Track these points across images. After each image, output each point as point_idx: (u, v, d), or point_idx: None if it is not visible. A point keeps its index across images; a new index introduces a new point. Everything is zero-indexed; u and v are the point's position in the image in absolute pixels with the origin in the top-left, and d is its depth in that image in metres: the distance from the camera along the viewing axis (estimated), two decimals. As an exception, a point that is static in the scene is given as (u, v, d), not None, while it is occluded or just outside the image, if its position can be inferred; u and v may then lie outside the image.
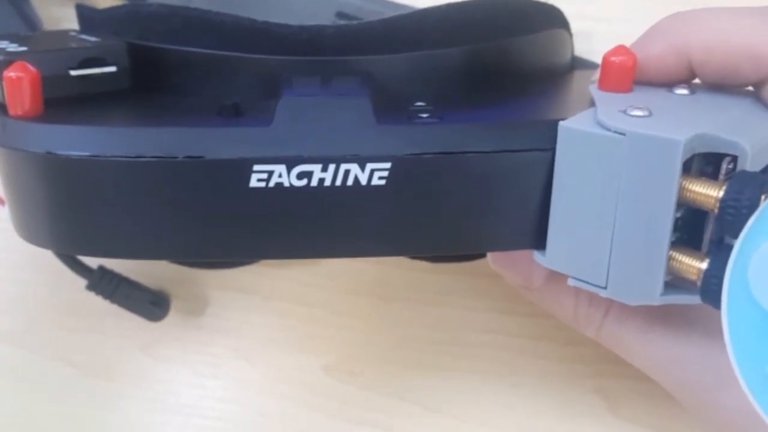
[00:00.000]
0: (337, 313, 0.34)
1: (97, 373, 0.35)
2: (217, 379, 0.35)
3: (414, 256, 0.31)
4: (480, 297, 0.33)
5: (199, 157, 0.19)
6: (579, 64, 0.31)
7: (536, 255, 0.22)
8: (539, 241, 0.21)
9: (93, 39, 0.24)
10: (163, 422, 0.35)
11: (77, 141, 0.19)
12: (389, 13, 0.31)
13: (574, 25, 0.29)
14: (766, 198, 0.17)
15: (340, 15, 0.31)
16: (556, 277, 0.21)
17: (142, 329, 0.35)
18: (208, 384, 0.35)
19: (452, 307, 0.33)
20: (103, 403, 0.35)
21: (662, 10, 0.31)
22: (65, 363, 0.35)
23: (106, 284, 0.30)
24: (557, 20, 0.28)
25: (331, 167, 0.19)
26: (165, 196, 0.20)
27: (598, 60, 0.30)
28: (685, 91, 0.22)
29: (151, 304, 0.31)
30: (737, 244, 0.15)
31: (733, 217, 0.17)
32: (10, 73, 0.20)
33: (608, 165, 0.19)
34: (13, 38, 0.24)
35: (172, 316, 0.35)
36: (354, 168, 0.19)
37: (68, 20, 0.31)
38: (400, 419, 0.34)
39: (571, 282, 0.21)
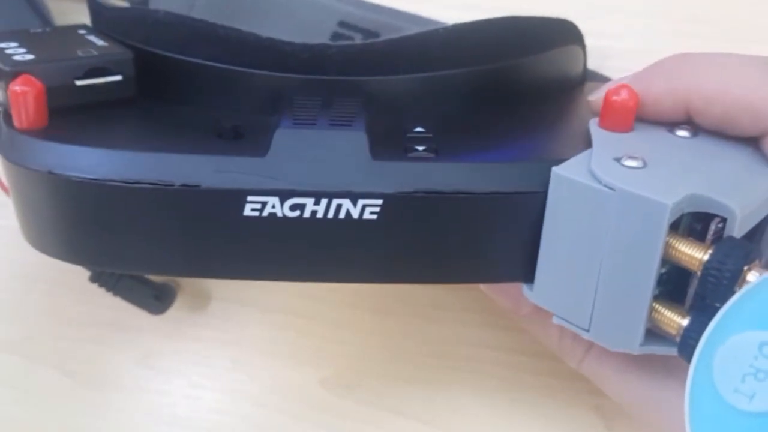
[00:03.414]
0: (336, 326, 0.34)
1: (94, 383, 0.35)
2: (214, 391, 0.35)
3: None
4: (479, 311, 0.33)
5: (195, 185, 0.20)
6: (591, 77, 0.30)
7: (525, 289, 0.22)
8: (528, 276, 0.21)
9: (100, 42, 0.24)
10: (160, 433, 0.35)
11: (78, 163, 0.20)
12: (393, 23, 0.31)
13: (589, 43, 0.28)
14: (748, 269, 0.17)
15: (343, 24, 0.31)
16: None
17: (140, 340, 0.35)
18: (204, 396, 0.35)
19: (451, 321, 0.33)
20: (99, 413, 0.35)
21: (673, 27, 0.31)
22: (62, 373, 0.36)
23: (108, 276, 0.31)
24: (571, 36, 0.28)
25: (324, 201, 0.20)
26: (161, 219, 0.20)
27: (611, 75, 0.30)
28: (686, 134, 0.22)
29: (153, 297, 0.32)
30: (705, 334, 0.16)
31: (713, 284, 0.18)
32: (15, 87, 0.21)
33: (597, 215, 0.19)
34: (21, 39, 0.24)
35: (170, 328, 0.35)
36: (346, 203, 0.20)
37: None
38: (397, 434, 0.34)
39: (555, 320, 0.21)
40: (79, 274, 0.32)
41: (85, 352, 0.36)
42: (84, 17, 0.27)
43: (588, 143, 0.21)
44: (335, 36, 0.31)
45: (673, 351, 0.19)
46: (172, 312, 0.34)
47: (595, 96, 0.23)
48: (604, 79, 0.30)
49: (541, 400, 0.33)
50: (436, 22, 0.32)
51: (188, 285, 0.35)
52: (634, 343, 0.20)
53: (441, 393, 0.33)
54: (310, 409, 0.34)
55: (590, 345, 0.23)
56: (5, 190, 0.23)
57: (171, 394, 0.35)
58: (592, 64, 0.29)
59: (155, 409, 0.35)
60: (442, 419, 0.33)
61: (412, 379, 0.34)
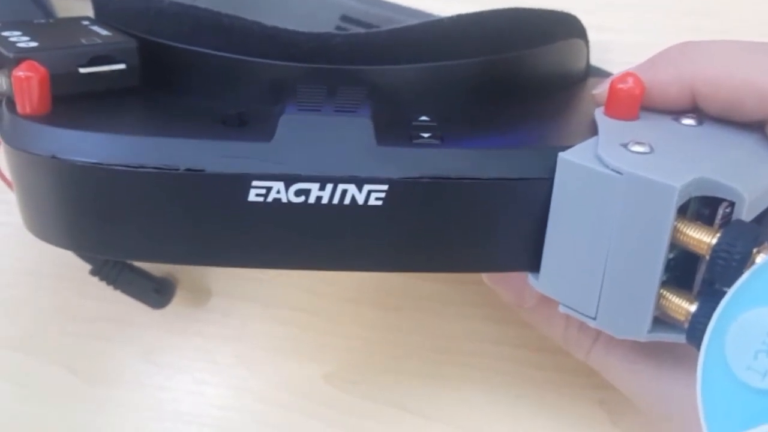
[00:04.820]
0: (339, 321, 0.34)
1: (98, 379, 0.35)
2: (217, 387, 0.35)
3: None
4: (483, 306, 0.33)
5: (200, 170, 0.19)
6: (595, 72, 0.30)
7: (530, 278, 0.22)
8: (534, 264, 0.21)
9: (104, 32, 0.24)
10: (163, 429, 0.35)
11: (82, 147, 0.20)
12: (395, 18, 0.31)
13: (591, 36, 0.29)
14: (758, 252, 0.17)
15: (345, 18, 0.31)
16: (548, 298, 0.22)
17: (143, 336, 0.35)
18: (208, 391, 0.35)
19: (455, 316, 0.33)
20: (103, 409, 0.35)
21: (676, 21, 0.31)
22: (66, 369, 0.36)
23: (109, 270, 0.31)
24: (574, 29, 0.28)
25: (329, 186, 0.20)
26: (165, 205, 0.20)
27: (613, 69, 0.30)
28: (691, 122, 0.22)
29: (154, 291, 0.32)
30: (717, 312, 0.16)
31: (723, 267, 0.17)
32: (19, 73, 0.20)
33: (604, 201, 0.19)
34: (25, 29, 0.24)
35: (172, 324, 0.35)
36: (351, 188, 0.20)
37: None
38: (401, 429, 0.34)
39: (561, 309, 0.21)
40: (81, 269, 0.32)
41: (88, 348, 0.36)
42: (88, 15, 0.27)
43: (593, 132, 0.21)
44: (338, 29, 0.31)
45: (681, 338, 0.19)
46: (175, 308, 0.34)
47: (600, 89, 0.23)
48: (608, 75, 0.30)
49: (545, 394, 0.32)
50: (438, 17, 0.32)
51: (187, 280, 0.35)
52: (641, 330, 0.19)
53: (445, 388, 0.33)
54: (313, 404, 0.34)
55: (597, 336, 0.23)
56: (8, 184, 0.23)
57: (174, 390, 0.35)
58: (594, 57, 0.29)
59: (158, 405, 0.35)
60: (446, 414, 0.33)
61: (416, 374, 0.33)
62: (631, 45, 0.31)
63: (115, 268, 0.31)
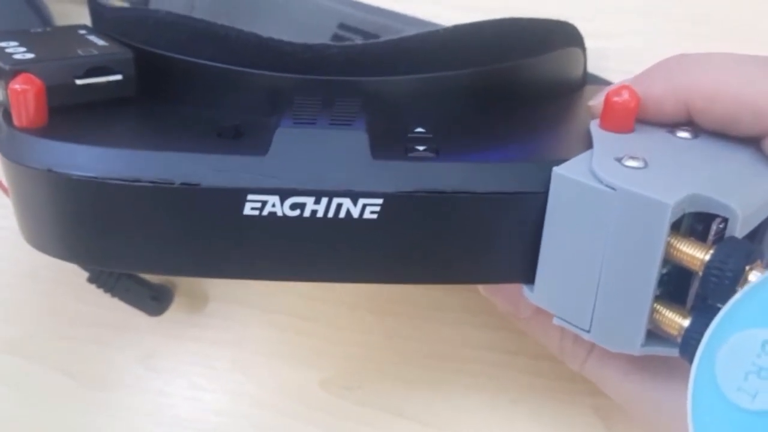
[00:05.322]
0: (336, 327, 0.34)
1: (95, 384, 0.36)
2: (215, 393, 0.35)
3: None
4: (480, 313, 0.33)
5: (196, 184, 0.20)
6: (591, 80, 0.30)
7: (525, 290, 0.22)
8: (528, 277, 0.21)
9: (101, 42, 0.24)
10: (160, 434, 0.35)
11: (78, 161, 0.20)
12: (392, 25, 0.31)
13: (587, 44, 0.28)
14: (750, 269, 0.17)
15: (343, 26, 0.31)
16: (543, 310, 0.22)
17: (141, 341, 0.35)
18: (205, 397, 0.35)
19: (452, 323, 0.33)
20: (100, 414, 0.35)
21: (673, 27, 0.31)
22: (63, 373, 0.36)
23: (107, 277, 0.31)
24: (571, 38, 0.28)
25: (324, 200, 0.20)
26: (161, 218, 0.20)
27: (611, 76, 0.30)
28: (687, 135, 0.22)
29: (151, 299, 0.32)
30: (707, 333, 0.16)
31: (716, 284, 0.17)
32: (16, 86, 0.21)
33: (598, 215, 0.19)
34: (21, 39, 0.24)
35: (170, 329, 0.35)
36: (346, 202, 0.20)
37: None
38: (397, 435, 0.34)
39: (556, 321, 0.21)
40: (80, 274, 0.32)
41: (87, 352, 0.36)
42: (85, 19, 0.27)
43: (588, 144, 0.21)
44: (335, 38, 0.31)
45: (674, 352, 0.19)
46: (172, 313, 0.34)
47: (595, 101, 0.23)
48: (604, 83, 0.30)
49: (541, 401, 0.32)
50: (436, 25, 0.32)
51: (185, 287, 0.35)
52: (635, 344, 0.19)
53: (441, 394, 0.33)
54: (310, 410, 0.34)
55: (592, 347, 0.23)
56: (5, 191, 0.23)
57: (172, 395, 0.35)
58: (593, 65, 0.29)
59: (156, 410, 0.35)
60: (442, 420, 0.33)
61: (413, 380, 0.34)
62: (630, 52, 0.32)
63: (113, 276, 0.31)
